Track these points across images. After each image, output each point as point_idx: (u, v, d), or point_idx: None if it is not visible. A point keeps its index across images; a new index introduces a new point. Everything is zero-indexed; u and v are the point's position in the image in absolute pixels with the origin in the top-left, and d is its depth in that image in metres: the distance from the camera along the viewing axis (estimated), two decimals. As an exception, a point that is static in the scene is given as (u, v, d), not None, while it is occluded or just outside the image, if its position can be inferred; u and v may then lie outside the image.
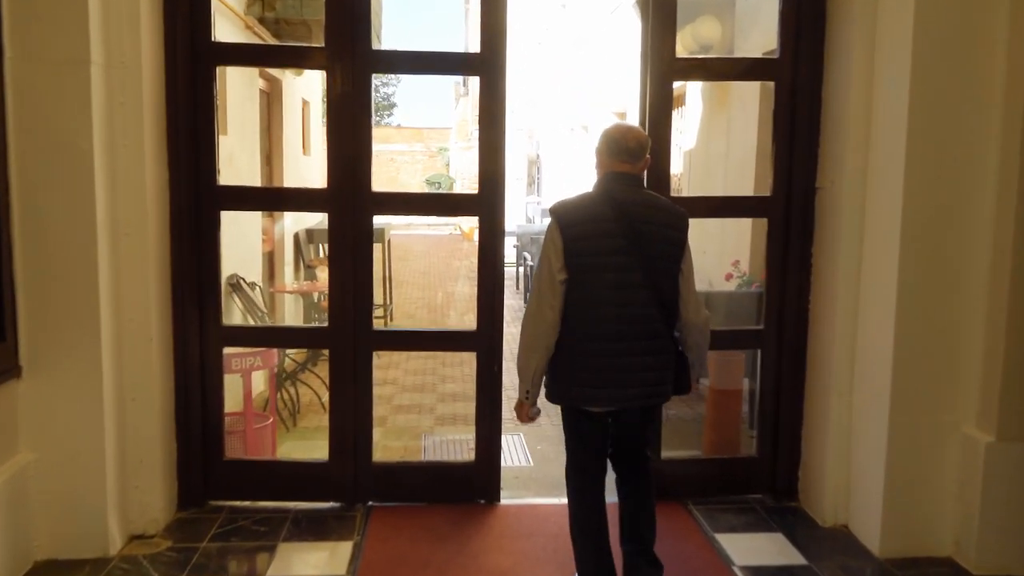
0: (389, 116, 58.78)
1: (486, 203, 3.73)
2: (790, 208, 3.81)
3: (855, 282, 3.51)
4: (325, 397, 3.87)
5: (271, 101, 6.92)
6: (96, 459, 3.16)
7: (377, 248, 9.13)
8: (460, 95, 31.14)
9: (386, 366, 7.17)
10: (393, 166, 38.99)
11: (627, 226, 2.63)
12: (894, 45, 3.24)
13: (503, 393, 3.81)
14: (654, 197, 2.84)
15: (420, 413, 5.63)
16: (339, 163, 3.65)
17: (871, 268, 3.42)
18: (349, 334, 3.70)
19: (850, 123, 3.46)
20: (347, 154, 3.64)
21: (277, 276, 7.03)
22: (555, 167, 17.69)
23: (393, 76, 68.97)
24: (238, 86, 5.49)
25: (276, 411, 5.03)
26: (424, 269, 14.10)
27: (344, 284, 3.68)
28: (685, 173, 7.74)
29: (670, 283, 2.71)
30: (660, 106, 3.76)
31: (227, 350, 3.79)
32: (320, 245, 8.61)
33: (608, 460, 2.88)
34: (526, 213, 16.87)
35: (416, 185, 35.03)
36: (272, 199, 4.09)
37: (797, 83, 3.71)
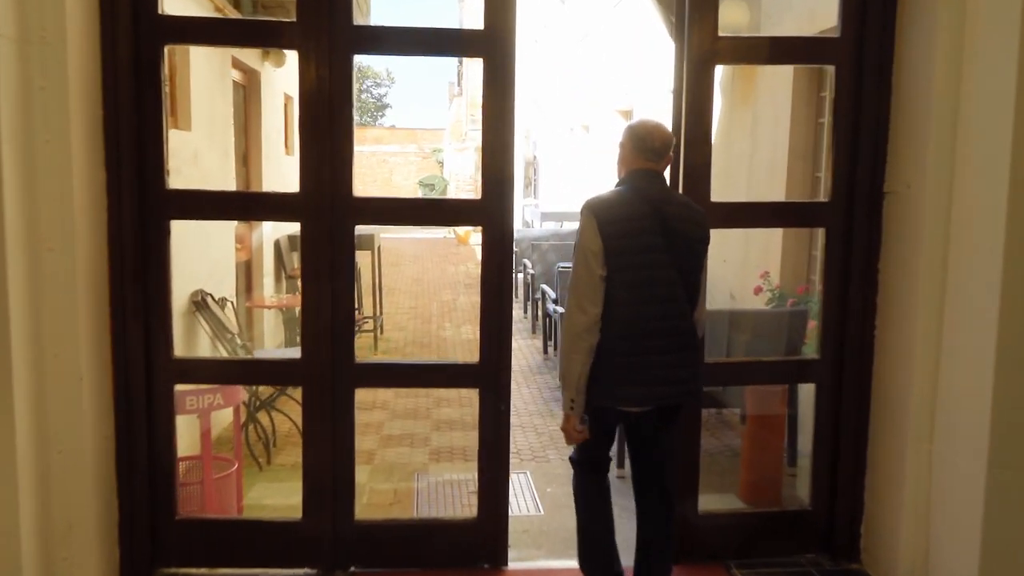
0: (382, 117, 58.35)
1: (491, 211, 3.11)
2: (852, 216, 3.21)
3: (937, 305, 2.90)
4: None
5: (248, 95, 6.29)
6: (8, 528, 2.54)
7: (366, 256, 8.58)
8: (454, 95, 30.57)
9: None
10: (386, 167, 38.43)
11: (662, 224, 2.65)
12: (994, 15, 2.63)
13: (511, 434, 3.20)
14: (681, 196, 2.91)
15: (413, 445, 5.01)
16: (314, 163, 3.03)
17: (960, 289, 2.81)
18: (326, 368, 3.08)
19: (933, 114, 2.85)
20: (323, 152, 3.02)
21: (255, 289, 6.40)
22: (553, 169, 17.08)
23: (386, 76, 68.46)
24: (206, 76, 4.86)
25: (246, 450, 4.41)
26: (416, 275, 13.47)
27: (319, 309, 3.06)
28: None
29: (696, 280, 2.74)
30: (700, 94, 3.15)
31: (180, 387, 3.18)
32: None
33: (633, 482, 2.87)
34: (523, 217, 16.23)
35: (409, 187, 34.41)
36: (233, 206, 3.45)
37: (863, 66, 3.11)
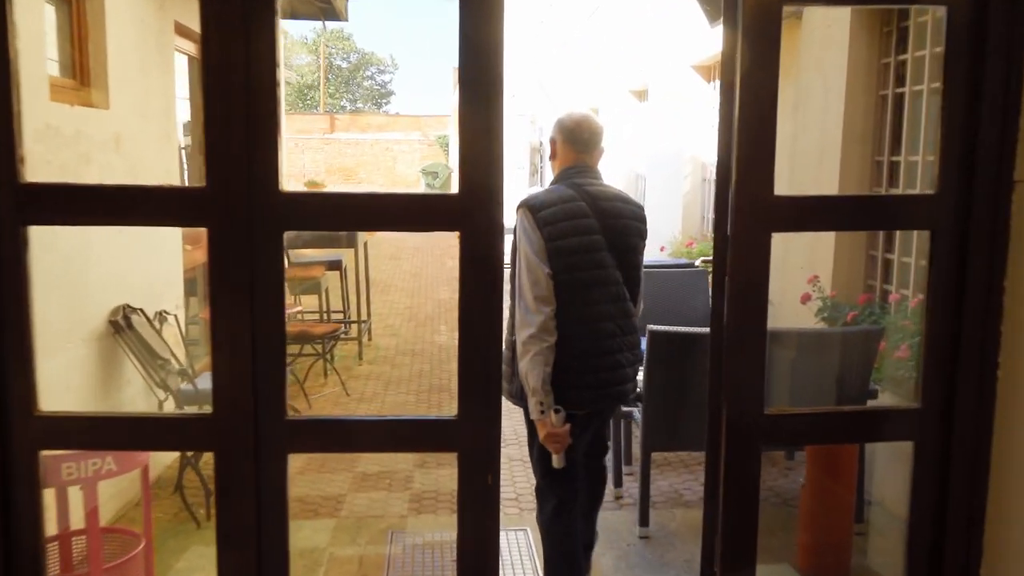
0: (387, 104, 57.47)
1: (472, 212, 2.22)
2: (968, 214, 2.29)
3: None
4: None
5: (204, 71, 5.40)
6: None
7: (350, 254, 7.76)
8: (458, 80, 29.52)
9: (356, 404, 5.70)
10: (389, 156, 37.66)
11: (600, 221, 2.61)
12: None
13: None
14: (616, 190, 2.80)
15: (391, 487, 4.16)
16: (223, 147, 2.15)
17: None
18: (245, 428, 2.20)
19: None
20: (238, 133, 2.13)
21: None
22: (560, 155, 16.18)
23: (390, 62, 67.61)
24: (135, 42, 3.98)
25: (180, 504, 3.56)
26: (415, 270, 12.60)
27: (236, 346, 2.18)
28: (729, 160, 6.24)
29: (637, 276, 2.73)
30: (760, 50, 2.24)
31: (52, 453, 2.32)
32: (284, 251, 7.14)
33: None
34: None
35: (413, 176, 33.60)
36: (113, 206, 2.57)
37: (988, 12, 2.20)
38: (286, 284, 5.12)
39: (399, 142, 37.38)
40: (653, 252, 8.37)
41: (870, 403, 3.52)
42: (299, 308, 5.41)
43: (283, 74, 2.07)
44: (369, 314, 7.75)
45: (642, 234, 2.73)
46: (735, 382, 2.11)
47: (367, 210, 2.56)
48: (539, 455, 2.67)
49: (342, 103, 54.83)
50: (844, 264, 4.45)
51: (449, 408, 5.55)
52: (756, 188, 2.18)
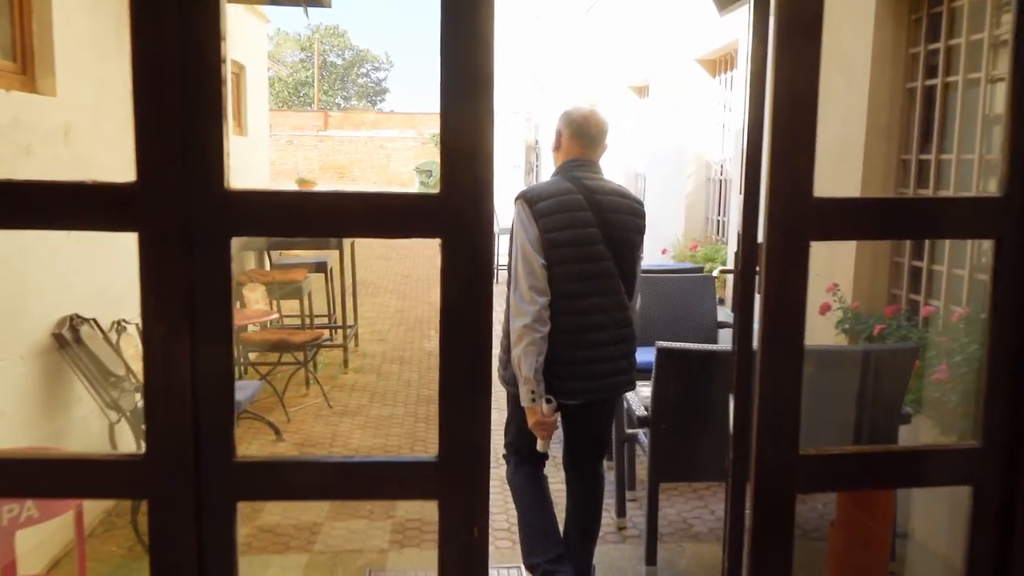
0: (381, 101, 57.00)
1: (457, 216, 1.84)
2: (1043, 221, 1.94)
3: None
4: None
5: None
6: None
7: (336, 256, 7.38)
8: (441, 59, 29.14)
9: (339, 418, 5.33)
10: (383, 153, 37.26)
11: (598, 215, 2.64)
12: None
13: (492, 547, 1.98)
14: (617, 185, 2.80)
15: (372, 515, 3.79)
16: (153, 135, 1.78)
17: None
18: (185, 473, 1.83)
19: None
20: (168, 117, 1.76)
21: (189, 299, 5.17)
22: (556, 154, 15.80)
23: (385, 59, 67.32)
24: (87, 25, 3.60)
25: (133, 537, 3.19)
26: (406, 271, 12.22)
27: (173, 374, 1.81)
28: (737, 162, 5.87)
29: (633, 270, 2.74)
30: (800, 25, 1.88)
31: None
32: (265, 252, 6.75)
33: (564, 460, 2.96)
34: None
35: (407, 174, 33.25)
36: (16, 206, 2.20)
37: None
38: (266, 289, 4.63)
39: (393, 139, 36.96)
40: (655, 255, 8.01)
41: (904, 429, 3.17)
42: (276, 315, 5.04)
43: (228, 51, 1.70)
44: (356, 319, 7.37)
45: (640, 229, 2.75)
46: (767, 416, 1.75)
47: (330, 213, 2.14)
48: (515, 429, 2.83)
49: (336, 100, 54.38)
50: (866, 271, 4.09)
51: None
52: (793, 190, 1.80)
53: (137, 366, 3.79)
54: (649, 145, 8.49)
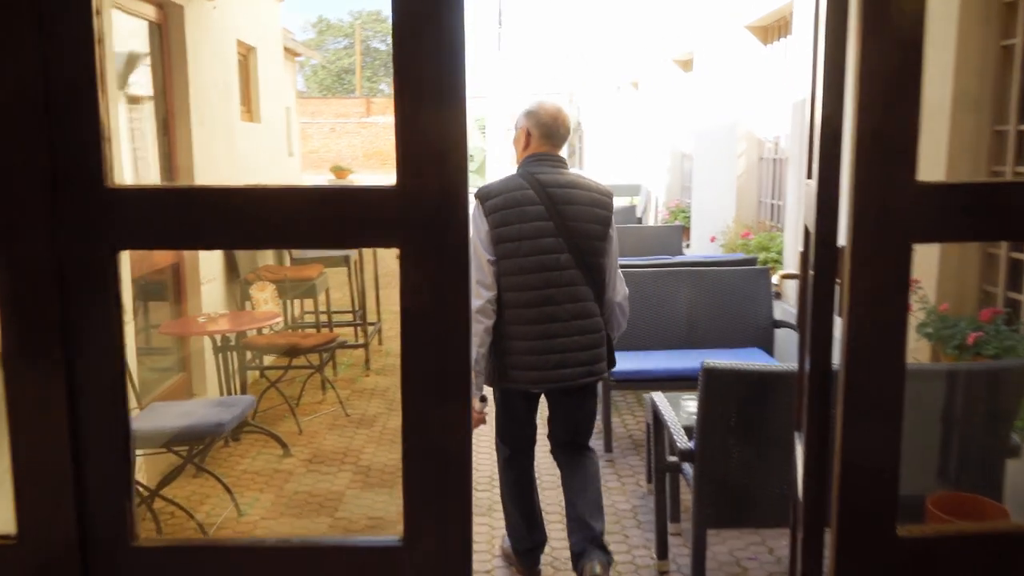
0: (424, 87, 56.39)
1: (417, 212, 1.33)
2: None
3: None
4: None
5: (167, 38, 4.58)
6: None
7: (342, 273, 6.87)
8: (494, 59, 28.56)
9: (355, 428, 4.88)
10: (426, 139, 36.91)
11: (552, 208, 2.68)
12: None
13: None
14: (577, 176, 2.84)
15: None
16: (8, 121, 1.29)
17: None
18: (67, 563, 1.36)
19: None
20: (28, 101, 1.27)
21: (189, 301, 4.76)
22: (600, 135, 15.16)
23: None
24: None
25: None
26: (391, 267, 11.65)
27: (45, 438, 1.33)
28: (795, 139, 5.23)
29: (597, 261, 2.76)
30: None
31: None
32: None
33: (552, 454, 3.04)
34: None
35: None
36: None
37: None
38: (276, 288, 4.00)
39: (436, 125, 36.47)
40: (703, 243, 7.40)
41: (1011, 463, 2.57)
42: (278, 318, 4.60)
43: (110, 24, 1.22)
44: (379, 316, 6.92)
45: (602, 220, 2.76)
46: (854, 453, 1.27)
47: (245, 215, 1.59)
48: (503, 423, 2.95)
49: (380, 87, 54.13)
50: (952, 265, 3.47)
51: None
52: (889, 178, 1.24)
53: (112, 383, 3.38)
54: (695, 123, 7.85)
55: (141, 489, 3.25)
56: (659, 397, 3.17)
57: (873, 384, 1.10)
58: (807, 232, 2.12)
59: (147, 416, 3.44)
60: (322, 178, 19.04)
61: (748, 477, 2.51)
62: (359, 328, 6.24)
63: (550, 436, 3.02)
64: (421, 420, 1.22)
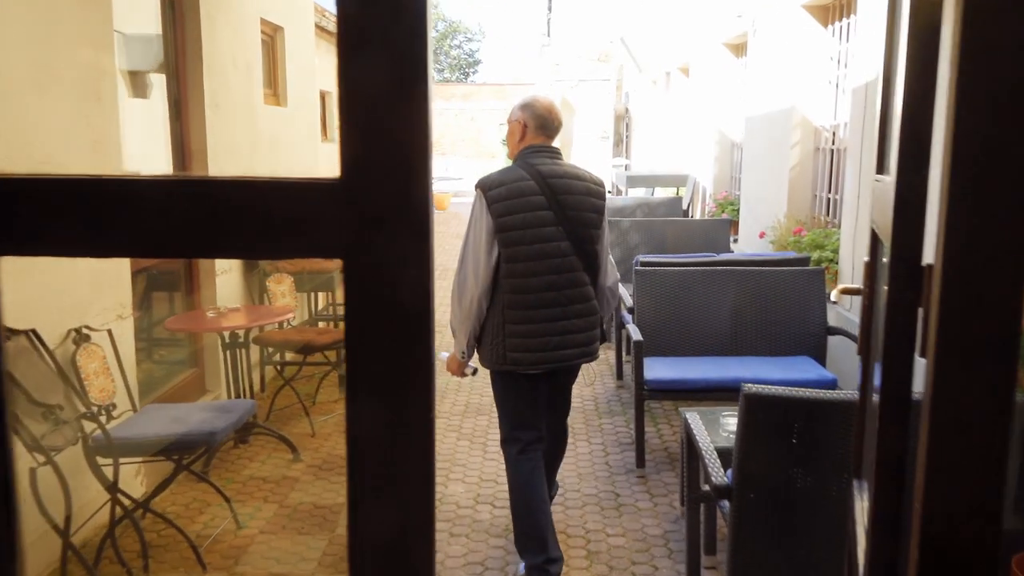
0: (474, 73, 56.27)
1: (370, 220, 1.00)
2: None
3: None
4: None
5: (180, 15, 4.33)
6: None
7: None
8: (543, 45, 28.13)
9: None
10: (474, 126, 36.76)
11: (551, 197, 2.80)
12: None
13: None
14: (572, 167, 2.95)
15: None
16: None
17: None
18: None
19: None
20: None
21: (203, 292, 4.52)
22: (647, 122, 14.68)
23: (477, 30, 66.55)
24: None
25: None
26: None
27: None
28: (856, 127, 4.77)
29: (593, 248, 2.90)
30: None
31: None
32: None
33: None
34: (612, 181, 13.87)
35: (495, 147, 32.58)
36: None
37: None
38: (294, 281, 3.74)
39: (483, 111, 36.29)
40: (751, 239, 6.95)
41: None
42: (291, 313, 4.33)
43: None
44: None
45: (596, 208, 2.90)
46: (943, 501, 0.86)
47: (143, 213, 1.25)
48: (509, 411, 2.99)
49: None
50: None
51: (485, 440, 4.38)
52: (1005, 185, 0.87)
53: (99, 384, 3.13)
54: (747, 110, 7.39)
55: (126, 500, 3.00)
56: (693, 418, 2.80)
57: (972, 422, 0.79)
58: (875, 239, 1.75)
59: (138, 421, 3.19)
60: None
61: (794, 525, 2.14)
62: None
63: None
64: (375, 466, 0.91)
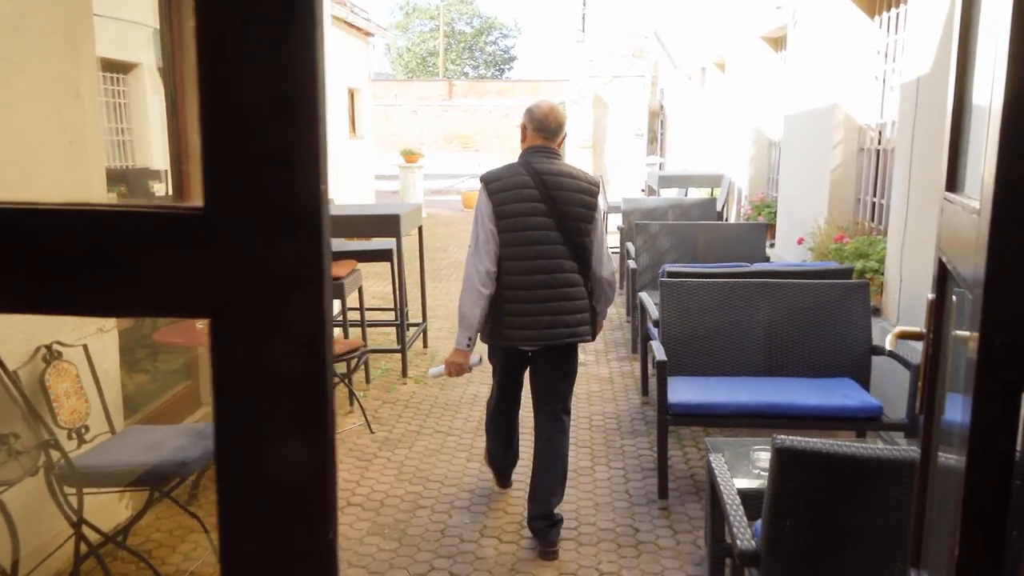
0: (509, 70, 55.87)
1: (247, 262, 0.70)
2: None
3: None
4: None
5: (178, 11, 4.07)
6: None
7: (408, 241, 6.27)
8: (578, 41, 27.67)
9: (377, 448, 4.31)
10: (508, 122, 36.41)
11: (545, 193, 3.15)
12: None
13: None
14: (568, 167, 3.26)
15: None
16: None
17: None
18: None
19: None
20: None
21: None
22: (681, 120, 14.23)
23: (513, 26, 66.21)
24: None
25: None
26: (454, 258, 10.86)
27: None
28: (905, 126, 4.37)
29: (583, 240, 3.21)
30: None
31: None
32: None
33: (533, 403, 3.41)
34: (646, 180, 13.45)
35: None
36: None
37: None
38: None
39: (517, 108, 35.90)
40: (788, 246, 6.54)
41: None
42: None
43: None
44: (424, 316, 6.35)
45: (587, 204, 3.19)
46: None
47: None
48: (498, 379, 3.48)
49: (464, 69, 53.72)
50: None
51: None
52: None
53: (69, 405, 2.88)
54: (785, 107, 6.98)
55: (94, 535, 2.75)
56: (717, 461, 2.46)
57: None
58: (944, 273, 1.41)
59: (112, 446, 2.93)
60: (390, 160, 18.64)
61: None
62: (399, 329, 5.68)
63: (533, 399, 3.40)
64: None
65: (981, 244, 0.86)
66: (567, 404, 3.36)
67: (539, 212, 3.12)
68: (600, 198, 3.30)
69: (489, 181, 3.19)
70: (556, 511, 3.26)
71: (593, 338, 3.36)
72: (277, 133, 0.77)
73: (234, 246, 0.79)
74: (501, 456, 3.66)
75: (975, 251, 0.92)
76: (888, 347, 1.65)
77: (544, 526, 3.22)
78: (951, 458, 1.17)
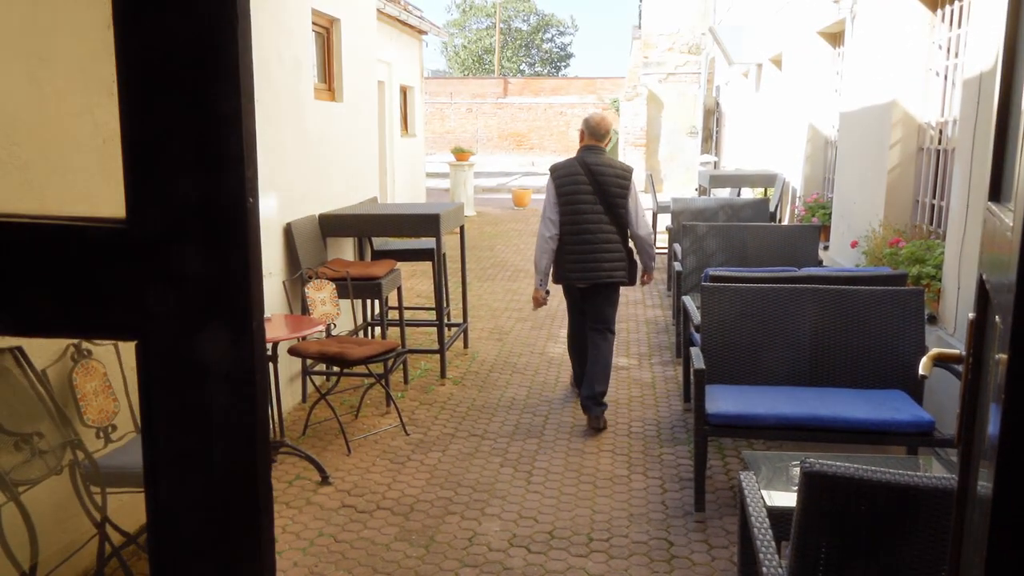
0: (566, 67, 55.59)
1: (176, 277, 0.65)
2: None
3: None
4: None
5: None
6: None
7: (450, 240, 6.22)
8: (635, 38, 27.36)
9: (411, 450, 4.27)
10: (563, 120, 36.24)
11: (592, 179, 4.52)
12: None
13: None
14: (609, 159, 4.62)
15: None
16: None
17: None
18: None
19: None
20: None
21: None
22: (737, 118, 13.91)
23: (570, 23, 65.74)
24: None
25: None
26: (501, 257, 10.73)
27: None
28: (967, 125, 4.14)
29: (620, 211, 4.55)
30: None
31: None
32: (365, 239, 5.80)
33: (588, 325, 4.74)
34: (698, 180, 13.17)
35: (583, 141, 31.88)
36: None
37: None
38: (335, 288, 3.46)
39: (572, 105, 35.71)
40: (842, 248, 6.30)
41: None
42: (320, 327, 4.02)
43: None
44: (465, 316, 6.29)
45: (622, 186, 4.56)
46: None
47: None
48: (568, 308, 4.92)
49: (520, 67, 53.62)
50: None
51: (531, 468, 3.99)
52: None
53: (97, 404, 2.89)
54: (842, 104, 6.73)
55: (115, 534, 2.75)
56: (748, 481, 2.33)
57: None
58: (984, 295, 1.27)
59: (139, 447, 2.94)
60: (444, 158, 18.65)
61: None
62: (439, 330, 5.63)
63: (588, 320, 4.68)
64: None
65: (1012, 262, 0.75)
66: (611, 325, 4.66)
67: (587, 191, 4.49)
68: (631, 180, 4.59)
69: (554, 171, 4.62)
70: (601, 394, 4.55)
71: (631, 282, 4.67)
72: (200, 141, 0.71)
73: (160, 261, 0.72)
74: (578, 365, 4.93)
75: (1006, 269, 0.80)
76: (922, 371, 1.51)
77: (592, 404, 4.53)
78: (988, 487, 1.05)
